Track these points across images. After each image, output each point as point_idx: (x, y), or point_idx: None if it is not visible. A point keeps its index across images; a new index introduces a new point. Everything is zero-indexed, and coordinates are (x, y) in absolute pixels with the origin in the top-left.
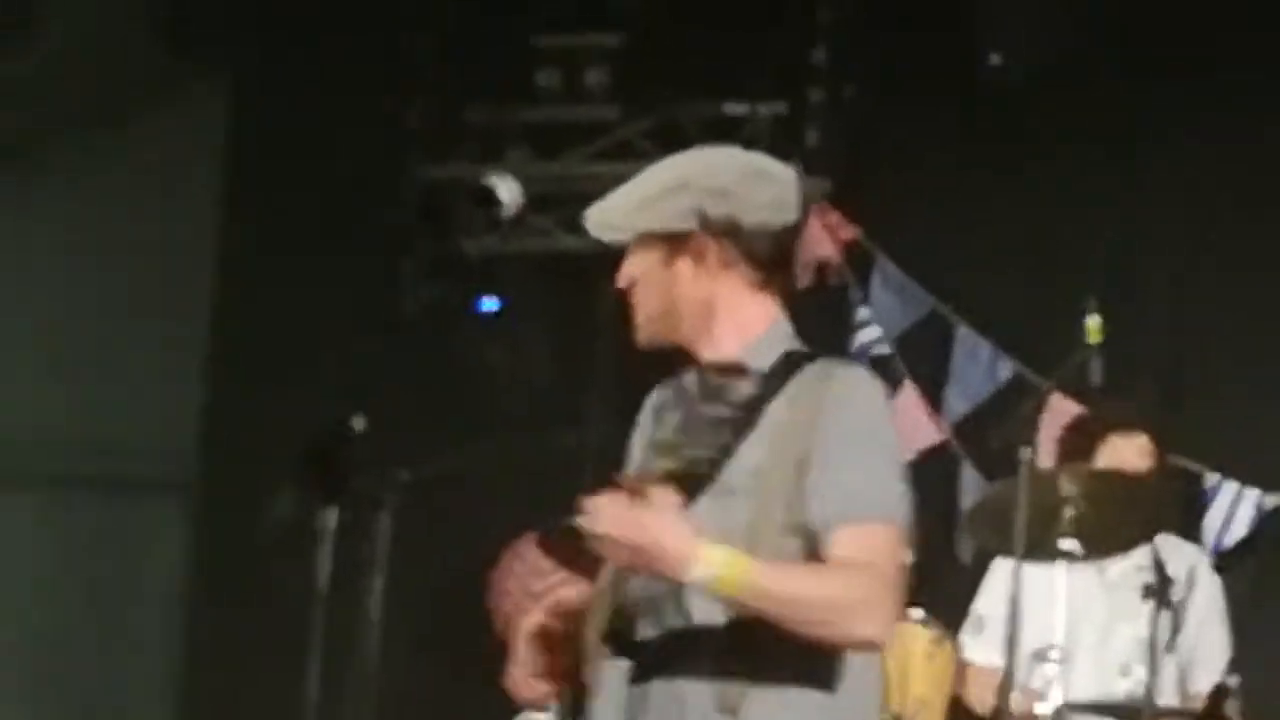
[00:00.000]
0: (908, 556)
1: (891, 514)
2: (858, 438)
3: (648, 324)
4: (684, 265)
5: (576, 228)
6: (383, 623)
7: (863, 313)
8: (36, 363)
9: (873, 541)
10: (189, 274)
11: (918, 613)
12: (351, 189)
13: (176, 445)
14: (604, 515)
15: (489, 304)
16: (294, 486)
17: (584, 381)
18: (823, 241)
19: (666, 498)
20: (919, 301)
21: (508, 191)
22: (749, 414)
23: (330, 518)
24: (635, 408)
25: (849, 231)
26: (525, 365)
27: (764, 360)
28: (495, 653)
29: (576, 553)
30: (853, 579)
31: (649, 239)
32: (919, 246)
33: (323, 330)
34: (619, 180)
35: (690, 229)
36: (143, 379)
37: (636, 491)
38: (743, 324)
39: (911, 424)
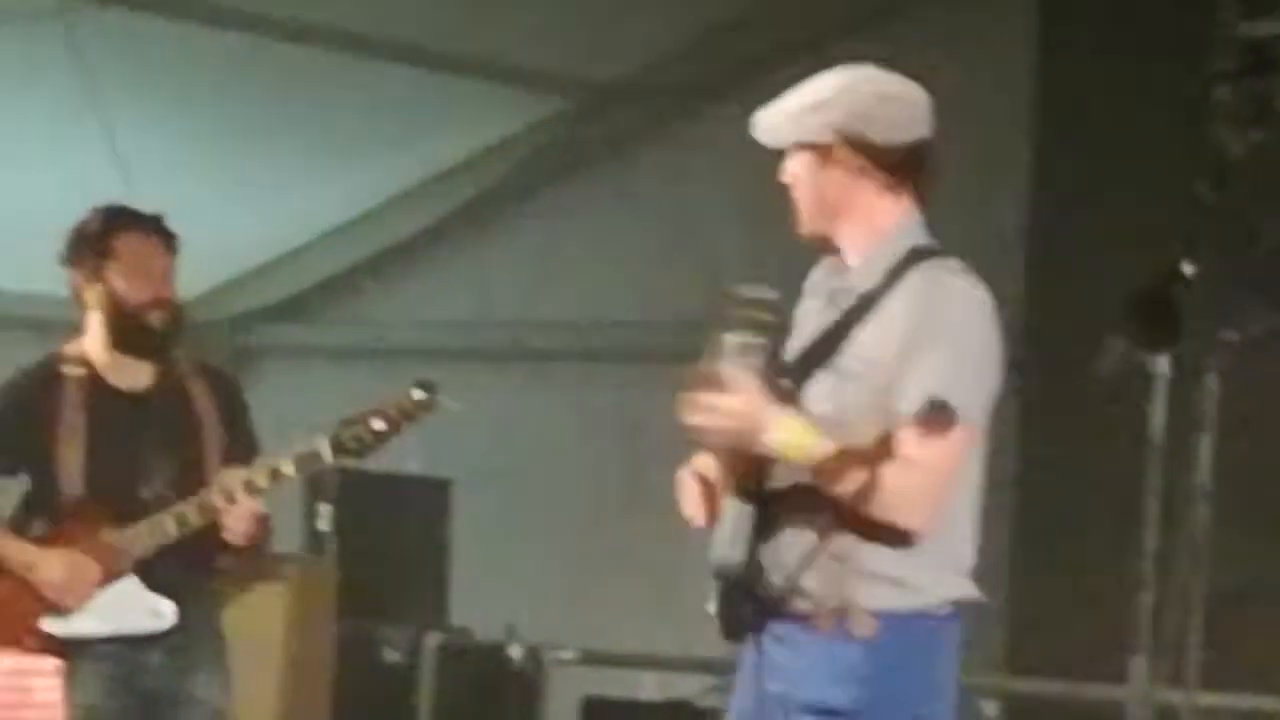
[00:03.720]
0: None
1: (963, 417)
2: (945, 339)
3: (804, 219)
4: (826, 171)
5: None
6: (1213, 492)
7: None
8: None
9: (934, 440)
10: (1004, 131)
11: None
12: (1167, 42)
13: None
14: (694, 408)
15: None
16: (1125, 329)
17: None
18: None
19: (740, 379)
20: None
21: None
22: (866, 304)
23: (1163, 364)
24: None
25: None
26: None
27: (887, 256)
28: None
29: None
30: (903, 472)
31: (801, 144)
32: None
33: (1144, 176)
34: None
35: (830, 142)
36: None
37: (714, 381)
38: (874, 223)
39: None
